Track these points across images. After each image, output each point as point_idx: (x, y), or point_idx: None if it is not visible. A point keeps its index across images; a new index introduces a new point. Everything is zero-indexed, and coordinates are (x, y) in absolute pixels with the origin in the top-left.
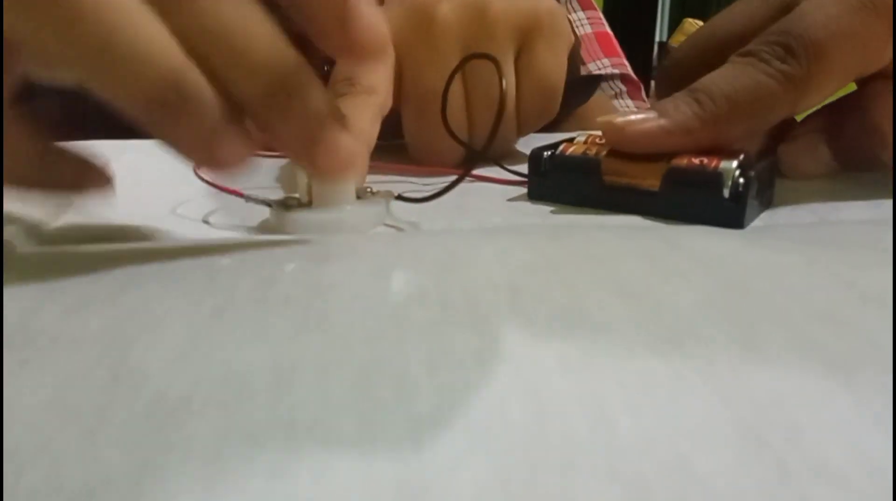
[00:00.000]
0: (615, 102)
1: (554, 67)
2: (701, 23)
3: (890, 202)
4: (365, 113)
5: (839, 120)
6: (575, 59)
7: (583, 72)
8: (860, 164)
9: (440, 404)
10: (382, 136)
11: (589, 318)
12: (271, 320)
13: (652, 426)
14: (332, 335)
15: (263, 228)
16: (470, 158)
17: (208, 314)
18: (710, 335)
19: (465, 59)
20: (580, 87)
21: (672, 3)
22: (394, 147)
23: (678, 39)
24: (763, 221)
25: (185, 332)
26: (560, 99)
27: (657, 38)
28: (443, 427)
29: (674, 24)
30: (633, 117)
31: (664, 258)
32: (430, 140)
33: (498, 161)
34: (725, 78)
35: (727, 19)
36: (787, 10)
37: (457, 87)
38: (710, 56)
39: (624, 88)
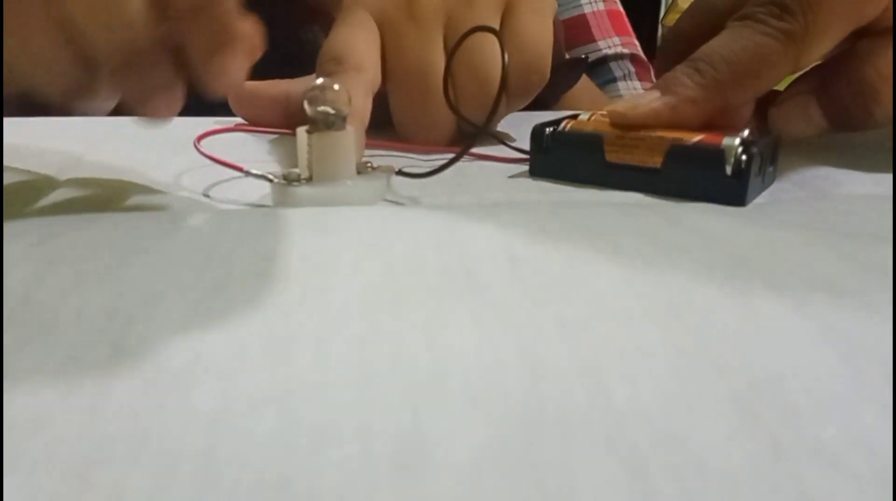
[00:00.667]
0: (622, 84)
1: (540, 34)
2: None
3: (888, 182)
4: (356, 90)
5: (830, 80)
6: (559, 42)
7: (592, 49)
8: (852, 123)
9: (438, 370)
10: (374, 115)
11: (587, 286)
12: (270, 293)
13: (649, 398)
14: (330, 307)
15: (264, 202)
16: (463, 134)
17: (208, 287)
18: (707, 305)
19: (466, 34)
20: (567, 69)
21: None
22: (389, 127)
23: (672, 18)
24: (765, 198)
25: (186, 305)
26: (549, 65)
27: (661, 17)
28: (440, 394)
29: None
30: (635, 101)
31: (663, 234)
32: (418, 116)
33: (500, 137)
34: (724, 43)
35: None
36: None
37: (439, 61)
38: (709, 26)
39: (633, 69)
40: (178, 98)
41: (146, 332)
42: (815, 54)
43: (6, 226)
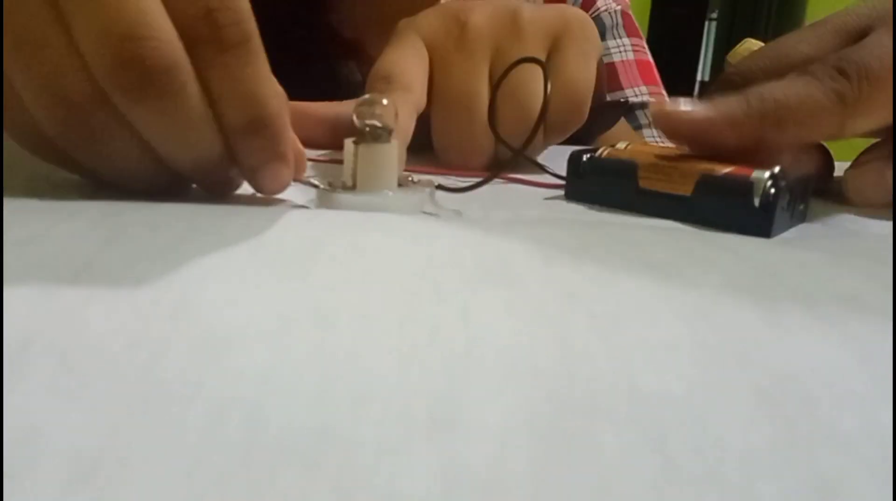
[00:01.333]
0: (646, 132)
1: (582, 72)
2: (762, 44)
3: None
4: (402, 108)
5: None
6: (601, 84)
7: (619, 97)
8: None
9: (472, 348)
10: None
11: (619, 287)
12: (316, 272)
13: (672, 383)
14: (372, 289)
15: (309, 205)
16: (501, 162)
17: (260, 265)
18: (734, 309)
19: (514, 64)
20: (606, 111)
21: (716, 43)
22: (427, 151)
23: (736, 57)
24: (792, 234)
25: (238, 278)
26: (588, 105)
27: (699, 78)
28: (475, 367)
29: (717, 64)
30: (682, 106)
31: (694, 249)
32: (458, 140)
33: (535, 161)
34: (779, 86)
35: (795, 41)
36: (854, 42)
37: (484, 89)
38: (774, 72)
39: None
40: (240, 182)
41: (201, 300)
42: (864, 124)
43: (61, 203)
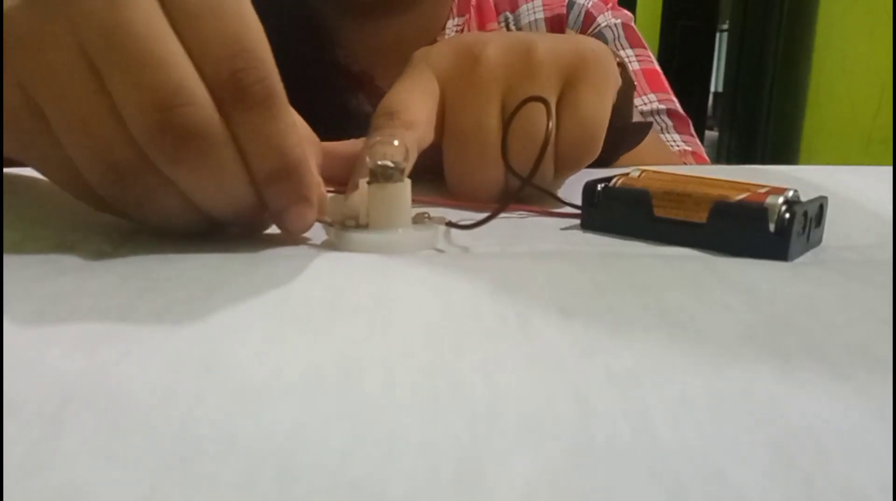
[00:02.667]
0: (663, 137)
1: (596, 109)
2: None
3: None
4: None
5: None
6: (629, 104)
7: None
8: None
9: (495, 403)
10: (423, 170)
11: (635, 340)
12: (341, 325)
13: (691, 438)
14: (396, 341)
15: (324, 245)
16: (508, 194)
17: (286, 316)
18: (749, 363)
19: (521, 104)
20: (632, 132)
21: (728, 54)
22: (439, 182)
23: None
24: (809, 257)
25: (266, 331)
26: (601, 141)
27: (712, 89)
28: (497, 423)
29: (729, 75)
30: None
31: (709, 289)
32: (471, 175)
33: (547, 191)
34: None
35: None
36: None
37: (495, 124)
38: None
39: (670, 123)
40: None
41: (232, 354)
42: None
43: (91, 263)
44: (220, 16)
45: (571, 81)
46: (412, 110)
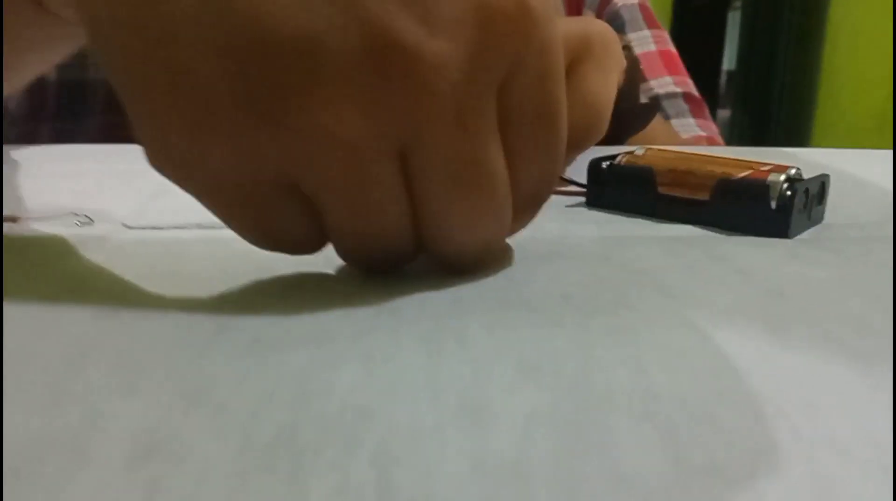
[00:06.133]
0: (675, 122)
1: (602, 88)
2: None
3: None
4: None
5: None
6: (635, 86)
7: (644, 89)
8: None
9: (498, 351)
10: None
11: (633, 308)
12: (350, 300)
13: (684, 383)
14: (403, 316)
15: None
16: None
17: (296, 289)
18: (744, 327)
19: None
20: (639, 113)
21: (741, 33)
22: None
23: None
24: (811, 234)
25: (276, 301)
26: (607, 120)
27: (724, 67)
28: (499, 364)
29: (742, 54)
30: None
31: (706, 270)
32: None
33: None
34: None
35: None
36: None
37: None
38: None
39: (686, 107)
40: None
41: (248, 314)
42: None
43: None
44: (549, 154)
45: (576, 61)
46: None
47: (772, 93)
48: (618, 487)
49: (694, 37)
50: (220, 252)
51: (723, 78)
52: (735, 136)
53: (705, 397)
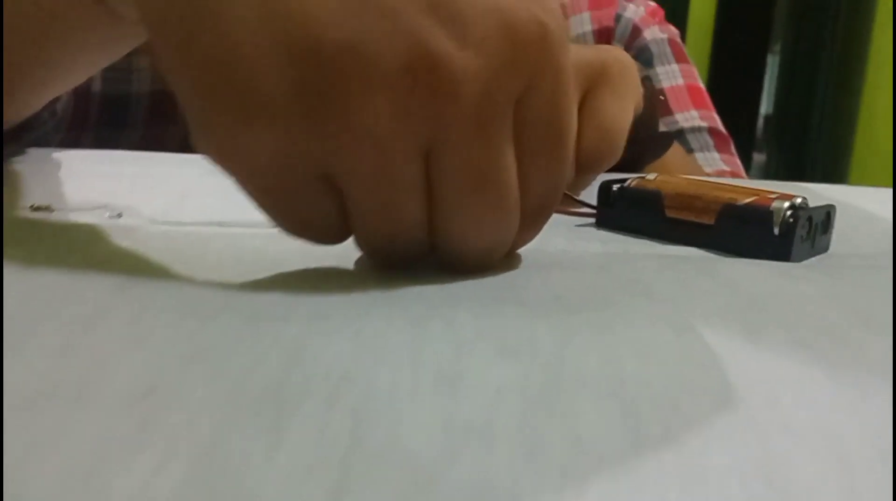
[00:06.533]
0: (699, 155)
1: (616, 114)
2: None
3: None
4: None
5: None
6: (654, 115)
7: (669, 122)
8: None
9: (481, 334)
10: None
11: (618, 308)
12: (351, 289)
13: (652, 372)
14: (396, 305)
15: None
16: None
17: (298, 278)
18: (721, 329)
19: None
20: (658, 141)
21: (779, 77)
22: None
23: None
24: (813, 263)
25: (280, 285)
26: (621, 145)
27: (762, 111)
28: (480, 344)
29: (780, 98)
30: None
31: (695, 283)
32: None
33: (568, 191)
34: None
35: None
36: None
37: None
38: None
39: (711, 142)
40: None
41: (253, 293)
42: None
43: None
44: (556, 167)
45: (593, 87)
46: None
47: (809, 137)
48: (576, 449)
49: (732, 80)
50: (238, 246)
51: (760, 122)
52: (771, 179)
53: (671, 385)
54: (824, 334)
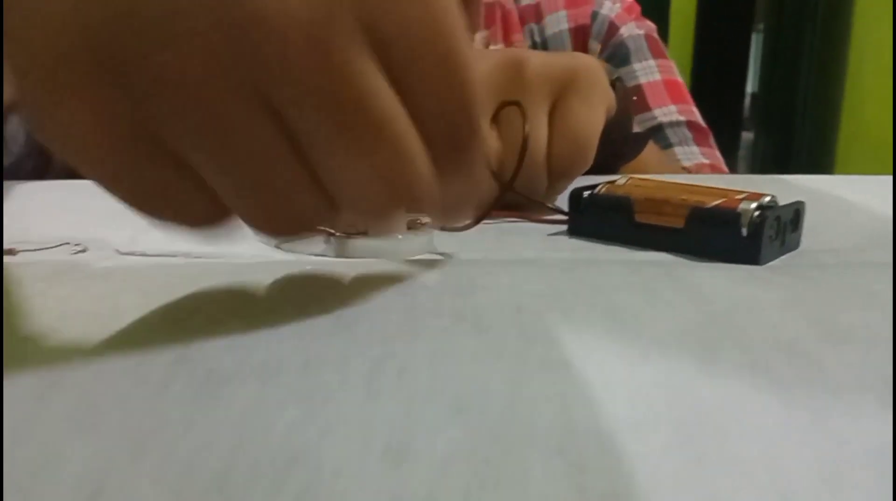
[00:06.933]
0: (679, 149)
1: (587, 120)
2: None
3: None
4: None
5: None
6: (627, 117)
7: (647, 118)
8: None
9: (433, 389)
10: None
11: (576, 333)
12: (307, 322)
13: (602, 418)
14: (355, 336)
15: (326, 253)
16: (509, 205)
17: (261, 312)
18: (677, 353)
19: (500, 107)
20: (632, 142)
21: (763, 55)
22: None
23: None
24: (784, 262)
25: (239, 325)
26: (592, 151)
27: (748, 90)
28: (432, 403)
29: (765, 77)
30: None
31: (659, 291)
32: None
33: (540, 199)
34: None
35: None
36: None
37: (489, 138)
38: None
39: (690, 135)
40: None
41: (205, 345)
42: None
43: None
44: (449, 88)
45: (562, 94)
46: None
47: (795, 115)
48: None
49: (717, 60)
50: (200, 276)
51: (746, 101)
52: (758, 158)
53: (619, 429)
54: (782, 350)
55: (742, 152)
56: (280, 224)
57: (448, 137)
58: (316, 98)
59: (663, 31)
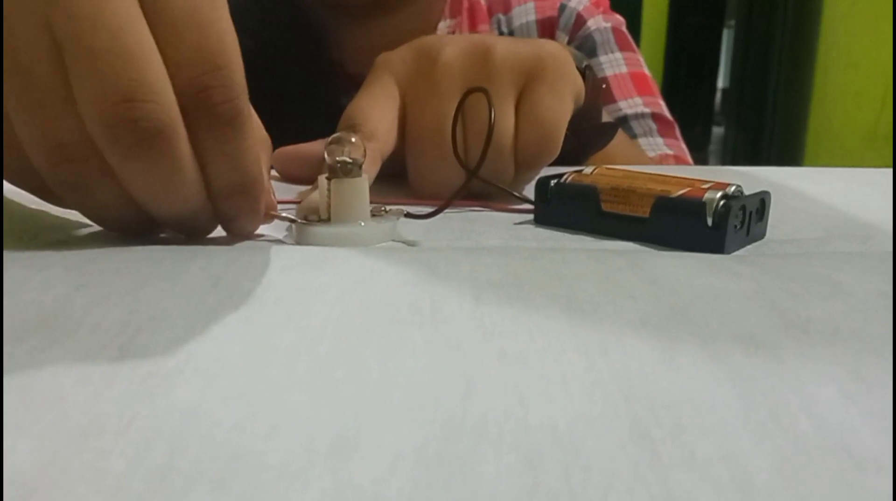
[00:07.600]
0: (643, 140)
1: (554, 109)
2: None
3: (880, 237)
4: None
5: None
6: (596, 105)
7: (612, 110)
8: None
9: (384, 385)
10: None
11: (535, 326)
12: (259, 316)
13: (558, 414)
14: (306, 331)
15: (286, 240)
16: (474, 193)
17: (207, 309)
18: (635, 346)
19: (466, 94)
20: (599, 132)
21: (734, 51)
22: (397, 181)
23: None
24: (749, 251)
25: (185, 322)
26: (560, 140)
27: (720, 85)
28: (381, 401)
29: (735, 72)
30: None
31: (621, 281)
32: (430, 173)
33: (507, 187)
34: None
35: None
36: None
37: (457, 124)
38: None
39: (654, 126)
40: (212, 228)
41: (148, 341)
42: None
43: (42, 254)
44: (200, 29)
45: (529, 82)
46: (372, 121)
47: (765, 110)
48: None
49: (689, 55)
50: (164, 259)
51: (718, 96)
52: (729, 152)
53: (575, 425)
54: (743, 342)
55: (713, 146)
56: (48, 145)
57: (203, 89)
58: (77, 16)
59: (636, 28)
